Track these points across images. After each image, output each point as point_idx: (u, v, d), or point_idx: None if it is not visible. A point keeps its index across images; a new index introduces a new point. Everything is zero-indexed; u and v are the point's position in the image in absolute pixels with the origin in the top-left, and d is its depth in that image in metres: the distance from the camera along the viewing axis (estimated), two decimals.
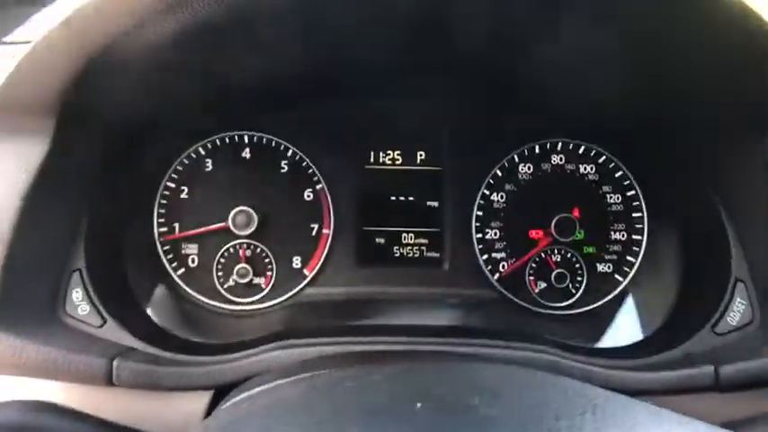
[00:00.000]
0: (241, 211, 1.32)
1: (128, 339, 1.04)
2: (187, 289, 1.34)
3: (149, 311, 1.21)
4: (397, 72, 1.26)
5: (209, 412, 1.00)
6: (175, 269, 1.34)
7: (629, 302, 1.34)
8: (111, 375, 0.95)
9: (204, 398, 1.01)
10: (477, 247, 1.36)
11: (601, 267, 1.37)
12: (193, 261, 1.36)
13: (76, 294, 1.05)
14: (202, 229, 1.35)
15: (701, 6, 0.79)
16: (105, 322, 1.05)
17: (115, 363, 0.95)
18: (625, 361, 1.04)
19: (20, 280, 0.94)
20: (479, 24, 0.99)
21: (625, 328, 1.30)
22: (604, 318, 1.35)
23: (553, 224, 1.34)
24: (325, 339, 1.02)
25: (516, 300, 1.36)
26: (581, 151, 1.38)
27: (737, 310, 1.06)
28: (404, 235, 1.39)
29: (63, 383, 0.97)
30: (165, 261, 1.34)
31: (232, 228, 1.32)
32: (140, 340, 1.04)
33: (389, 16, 0.98)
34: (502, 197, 1.38)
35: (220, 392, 1.00)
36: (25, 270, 0.95)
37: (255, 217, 1.32)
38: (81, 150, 1.03)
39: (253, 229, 1.32)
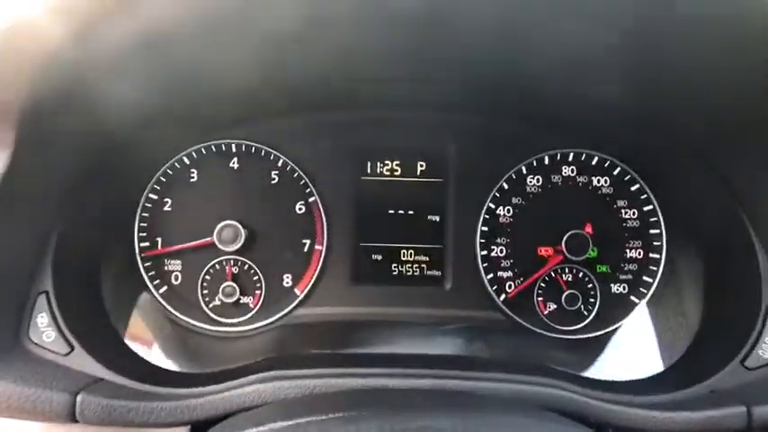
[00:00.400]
0: (227, 226, 1.23)
1: (97, 369, 0.95)
2: (169, 308, 1.25)
3: (125, 336, 1.12)
4: (398, 81, 1.17)
5: None
6: (157, 287, 1.25)
7: (647, 328, 1.24)
8: (75, 412, 0.86)
9: None
10: (481, 266, 1.27)
11: (615, 288, 1.27)
12: (177, 278, 1.26)
13: (42, 319, 0.96)
14: (186, 245, 1.25)
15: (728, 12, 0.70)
16: (72, 350, 0.95)
17: (79, 398, 0.86)
18: (645, 397, 0.94)
19: None
20: (486, 30, 0.90)
21: (643, 358, 1.19)
22: (619, 344, 1.25)
23: (564, 241, 1.24)
24: (310, 372, 0.92)
25: (524, 323, 1.26)
26: (594, 162, 1.28)
27: None
28: (403, 251, 1.29)
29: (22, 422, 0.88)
30: (146, 278, 1.24)
31: (217, 243, 1.23)
32: (110, 370, 0.95)
33: (393, 22, 0.89)
34: (509, 211, 1.28)
35: (196, 428, 0.91)
36: None
37: (243, 232, 1.23)
38: (47, 165, 0.94)
39: (240, 245, 1.23)
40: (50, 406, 0.85)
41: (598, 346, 1.25)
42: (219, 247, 1.23)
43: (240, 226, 1.23)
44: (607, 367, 1.18)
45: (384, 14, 0.86)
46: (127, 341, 1.11)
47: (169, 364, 1.16)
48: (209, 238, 1.24)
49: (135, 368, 0.99)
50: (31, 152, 0.88)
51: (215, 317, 1.26)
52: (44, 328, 0.95)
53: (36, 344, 0.94)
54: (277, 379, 0.91)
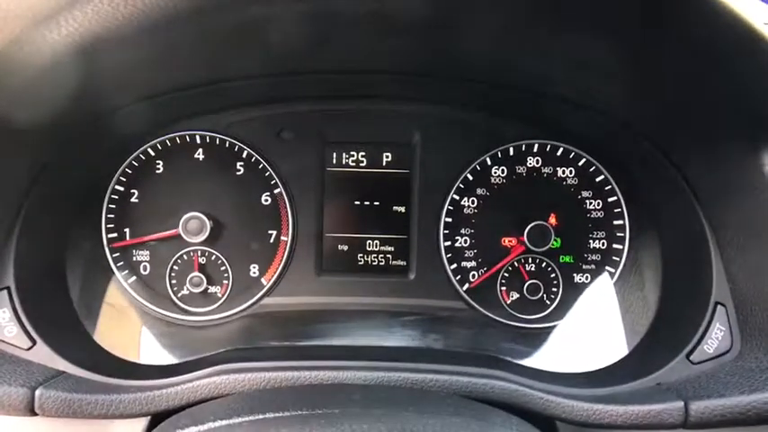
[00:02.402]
0: (193, 217, 1.24)
1: (59, 362, 0.97)
2: (139, 298, 1.27)
3: (92, 328, 1.14)
4: (363, 73, 1.16)
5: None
6: (126, 277, 1.27)
7: (607, 318, 1.26)
8: (33, 405, 0.89)
9: (140, 424, 0.94)
10: (445, 256, 1.28)
11: (578, 278, 1.29)
12: (145, 269, 1.28)
13: (3, 315, 0.98)
14: (154, 236, 1.27)
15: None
16: (34, 344, 0.98)
17: (38, 392, 0.89)
18: (591, 390, 0.96)
19: None
20: (453, 23, 0.89)
21: (600, 349, 1.21)
22: (578, 334, 1.27)
23: (527, 231, 1.25)
24: (264, 365, 0.95)
25: (486, 312, 1.28)
26: (559, 153, 1.29)
27: (716, 337, 0.97)
28: (368, 242, 1.31)
29: None
30: (114, 269, 1.26)
31: (183, 235, 1.24)
32: (72, 363, 0.97)
33: (356, 17, 0.88)
34: (473, 202, 1.29)
35: (157, 419, 0.94)
36: None
37: (208, 223, 1.24)
38: (4, 160, 0.95)
39: (206, 236, 1.24)
40: (9, 400, 0.88)
41: (558, 335, 1.27)
42: (185, 238, 1.25)
43: (205, 217, 1.24)
44: (564, 358, 1.20)
45: (349, 9, 0.86)
46: (93, 333, 1.13)
47: (137, 355, 1.19)
48: (175, 230, 1.25)
49: (97, 361, 1.01)
50: None
51: (184, 306, 1.29)
52: (5, 324, 0.97)
53: None
54: (232, 372, 0.94)
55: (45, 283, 1.09)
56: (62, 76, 0.86)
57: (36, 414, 0.90)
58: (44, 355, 0.97)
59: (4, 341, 0.97)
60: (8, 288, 0.99)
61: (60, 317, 1.09)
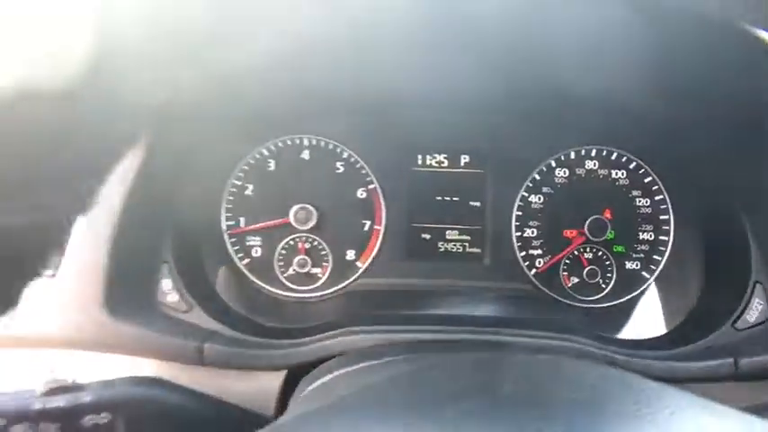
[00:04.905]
0: (302, 208, 1.45)
1: (211, 324, 1.18)
2: (252, 277, 1.48)
3: (224, 298, 1.35)
4: (445, 91, 1.37)
5: (283, 388, 1.14)
6: (241, 259, 1.48)
7: (655, 298, 1.47)
8: (202, 356, 1.09)
9: (280, 376, 1.15)
10: (516, 245, 1.49)
11: (629, 265, 1.49)
12: (257, 252, 1.50)
13: (166, 283, 1.19)
14: (266, 224, 1.48)
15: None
16: (192, 308, 1.19)
17: (206, 345, 1.09)
18: (649, 351, 1.16)
19: (122, 272, 1.08)
20: (520, 45, 1.09)
21: (650, 322, 1.42)
22: (631, 311, 1.48)
23: (587, 224, 1.46)
24: (383, 327, 1.16)
25: (550, 293, 1.49)
26: (613, 158, 1.49)
27: (756, 309, 1.18)
28: (448, 232, 1.52)
29: (158, 362, 1.12)
30: (232, 252, 1.47)
31: (293, 223, 1.46)
32: (223, 325, 1.18)
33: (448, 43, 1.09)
34: (539, 199, 1.50)
35: (293, 372, 1.15)
36: (126, 263, 1.09)
37: (315, 213, 1.45)
38: (164, 153, 1.16)
39: (312, 225, 1.46)
40: (184, 350, 1.09)
41: (613, 313, 1.48)
42: (295, 225, 1.46)
43: (312, 208, 1.45)
44: (620, 330, 1.41)
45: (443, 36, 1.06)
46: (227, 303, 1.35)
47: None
48: (285, 218, 1.47)
49: (239, 324, 1.22)
50: (157, 143, 1.10)
51: (290, 285, 1.50)
52: (168, 291, 1.19)
53: (164, 304, 1.17)
54: (356, 333, 1.15)
55: (190, 261, 1.30)
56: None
57: (203, 364, 1.11)
58: (200, 318, 1.18)
59: (169, 306, 1.18)
60: (168, 262, 1.21)
61: (204, 288, 1.30)
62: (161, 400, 0.92)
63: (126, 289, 1.08)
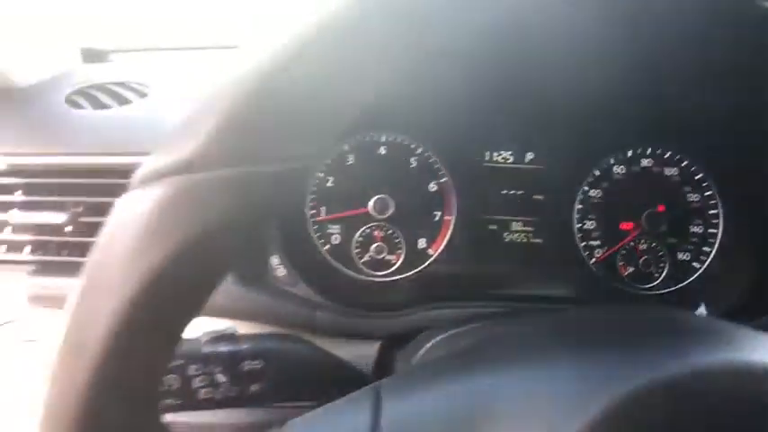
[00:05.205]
0: (380, 198, 1.58)
1: (314, 297, 1.31)
2: (332, 262, 1.61)
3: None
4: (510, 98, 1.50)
5: (380, 355, 1.27)
6: (323, 245, 1.61)
7: (705, 288, 1.59)
8: (314, 323, 1.22)
9: (375, 345, 1.28)
10: (577, 236, 1.61)
11: (681, 256, 1.61)
12: (336, 239, 1.62)
13: (275, 260, 1.32)
14: (345, 213, 1.61)
15: None
16: (297, 283, 1.32)
17: (318, 313, 1.22)
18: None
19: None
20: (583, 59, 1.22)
21: (699, 310, 1.54)
22: (681, 300, 1.60)
23: (643, 218, 1.58)
24: (471, 303, 1.28)
25: (609, 282, 1.61)
26: (666, 156, 1.62)
27: None
28: (513, 223, 1.64)
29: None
30: (314, 238, 1.60)
31: (372, 212, 1.58)
32: (324, 299, 1.31)
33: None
34: (598, 193, 1.62)
35: (387, 341, 1.27)
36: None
37: (392, 203, 1.58)
38: None
39: (390, 214, 1.58)
40: (299, 318, 1.21)
41: (665, 301, 1.59)
42: (373, 214, 1.59)
43: (390, 198, 1.58)
44: None
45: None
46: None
47: None
48: (363, 208, 1.59)
49: (337, 298, 1.35)
50: None
51: (366, 269, 1.62)
52: (277, 266, 1.31)
53: (275, 277, 1.30)
54: (447, 307, 1.28)
55: (291, 240, 1.43)
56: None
57: (313, 331, 1.24)
58: (305, 291, 1.31)
59: (279, 279, 1.31)
60: (275, 241, 1.33)
61: (303, 266, 1.43)
62: (300, 353, 1.04)
63: (247, 262, 1.21)
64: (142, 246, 0.49)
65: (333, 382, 1.07)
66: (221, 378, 0.91)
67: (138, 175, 0.54)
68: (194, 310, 0.56)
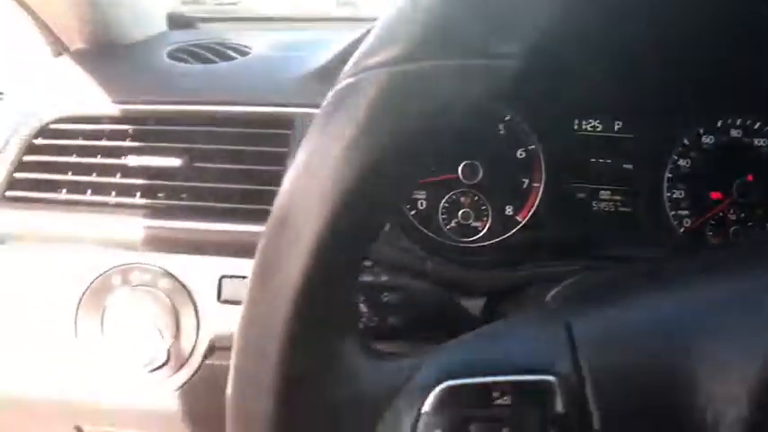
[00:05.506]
0: (469, 164, 1.58)
1: (420, 252, 1.31)
2: (420, 227, 1.60)
3: None
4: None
5: (485, 310, 1.26)
6: (409, 210, 1.61)
7: None
8: (426, 270, 1.22)
9: (480, 301, 1.27)
10: (666, 204, 1.60)
11: None
12: (422, 205, 1.62)
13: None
14: (432, 178, 1.61)
15: None
16: (401, 238, 1.32)
17: (428, 262, 1.22)
18: None
19: None
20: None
21: None
22: None
23: (734, 187, 1.57)
24: (576, 261, 1.27)
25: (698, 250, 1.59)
26: (756, 127, 1.61)
27: None
28: (601, 192, 1.63)
29: None
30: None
31: (461, 177, 1.58)
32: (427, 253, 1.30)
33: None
34: (688, 162, 1.61)
35: (490, 297, 1.27)
36: None
37: (481, 169, 1.58)
38: None
39: (478, 179, 1.58)
40: (412, 264, 1.22)
41: None
42: (462, 180, 1.59)
43: (479, 164, 1.58)
44: None
45: None
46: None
47: None
48: (452, 174, 1.59)
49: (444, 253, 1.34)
50: None
51: (452, 235, 1.61)
52: None
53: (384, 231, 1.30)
54: (549, 266, 1.27)
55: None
56: None
57: (425, 278, 1.23)
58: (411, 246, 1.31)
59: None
60: None
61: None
62: (431, 292, 1.04)
63: None
64: (359, 135, 0.49)
65: (456, 324, 1.07)
66: (363, 308, 0.91)
67: (349, 66, 0.54)
68: (387, 218, 0.55)
